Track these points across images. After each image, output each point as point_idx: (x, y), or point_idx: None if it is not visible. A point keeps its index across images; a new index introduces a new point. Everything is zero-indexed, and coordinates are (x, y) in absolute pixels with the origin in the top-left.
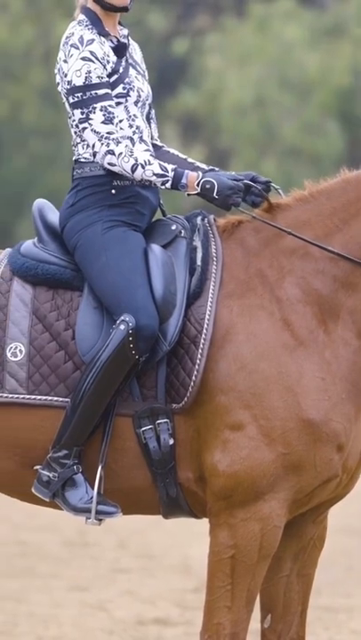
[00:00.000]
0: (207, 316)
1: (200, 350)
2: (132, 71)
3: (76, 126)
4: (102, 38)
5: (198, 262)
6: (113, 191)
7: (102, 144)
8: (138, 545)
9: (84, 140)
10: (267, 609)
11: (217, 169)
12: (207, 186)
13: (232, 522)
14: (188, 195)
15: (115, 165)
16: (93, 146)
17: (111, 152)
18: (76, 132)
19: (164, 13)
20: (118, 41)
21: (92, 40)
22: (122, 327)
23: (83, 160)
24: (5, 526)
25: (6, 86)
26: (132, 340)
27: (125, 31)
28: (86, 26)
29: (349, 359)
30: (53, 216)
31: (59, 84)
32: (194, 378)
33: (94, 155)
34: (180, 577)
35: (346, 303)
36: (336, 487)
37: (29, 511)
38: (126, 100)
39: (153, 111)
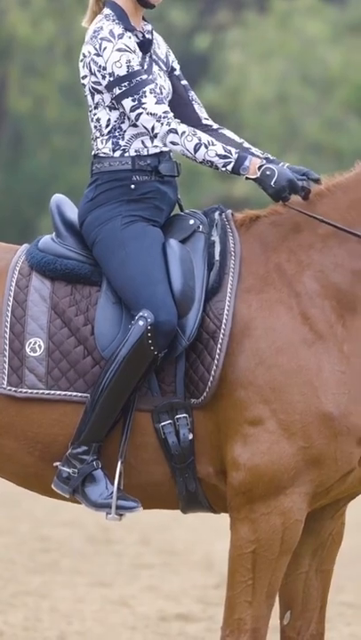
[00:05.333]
0: (226, 311)
1: (219, 345)
2: (155, 68)
3: (126, 116)
4: (129, 33)
5: (216, 257)
6: (132, 186)
7: (162, 124)
8: (160, 541)
9: (137, 127)
10: (286, 606)
11: (271, 157)
12: (267, 172)
13: (253, 516)
14: (246, 179)
15: (177, 144)
16: (153, 128)
17: (174, 131)
18: (96, 127)
19: (185, 9)
20: (143, 36)
21: (122, 34)
22: (140, 323)
23: (102, 155)
24: (28, 522)
25: (29, 82)
26: (150, 335)
27: (149, 27)
28: (113, 20)
29: None
30: (71, 211)
31: (85, 77)
32: (213, 373)
33: (155, 136)
34: (203, 573)
35: None
36: (353, 480)
37: (52, 507)
38: None
39: (192, 93)
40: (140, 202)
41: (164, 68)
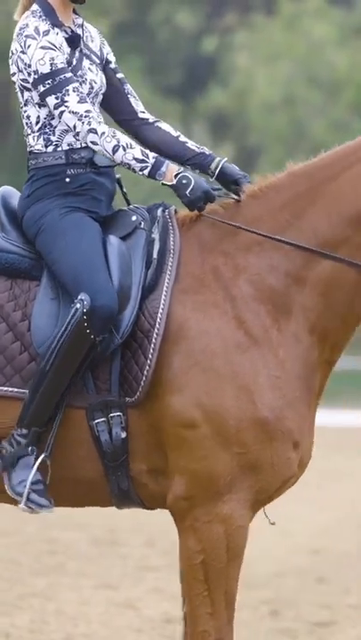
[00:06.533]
0: (160, 310)
1: (152, 345)
2: (85, 62)
3: (51, 114)
4: (56, 29)
5: (155, 255)
6: (67, 179)
7: (83, 123)
8: (166, 542)
9: (61, 124)
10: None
11: (207, 152)
12: (184, 181)
13: (196, 525)
14: (163, 184)
15: (97, 144)
16: (74, 127)
17: (93, 131)
18: (27, 124)
19: (192, 11)
20: (72, 31)
21: (48, 31)
22: (78, 306)
23: (36, 151)
24: (35, 524)
25: None
26: (86, 318)
27: (80, 20)
28: (40, 17)
29: (301, 356)
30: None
31: (14, 74)
32: (146, 372)
33: (76, 135)
34: None
35: (297, 299)
36: (293, 484)
37: (59, 509)
38: None
39: (128, 86)
40: (76, 194)
41: (97, 62)
